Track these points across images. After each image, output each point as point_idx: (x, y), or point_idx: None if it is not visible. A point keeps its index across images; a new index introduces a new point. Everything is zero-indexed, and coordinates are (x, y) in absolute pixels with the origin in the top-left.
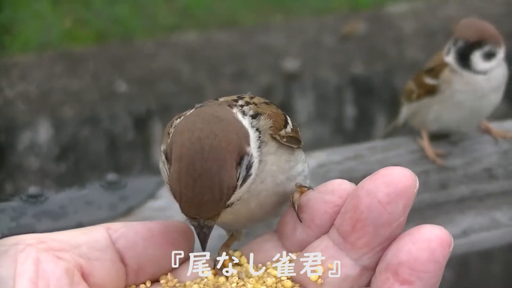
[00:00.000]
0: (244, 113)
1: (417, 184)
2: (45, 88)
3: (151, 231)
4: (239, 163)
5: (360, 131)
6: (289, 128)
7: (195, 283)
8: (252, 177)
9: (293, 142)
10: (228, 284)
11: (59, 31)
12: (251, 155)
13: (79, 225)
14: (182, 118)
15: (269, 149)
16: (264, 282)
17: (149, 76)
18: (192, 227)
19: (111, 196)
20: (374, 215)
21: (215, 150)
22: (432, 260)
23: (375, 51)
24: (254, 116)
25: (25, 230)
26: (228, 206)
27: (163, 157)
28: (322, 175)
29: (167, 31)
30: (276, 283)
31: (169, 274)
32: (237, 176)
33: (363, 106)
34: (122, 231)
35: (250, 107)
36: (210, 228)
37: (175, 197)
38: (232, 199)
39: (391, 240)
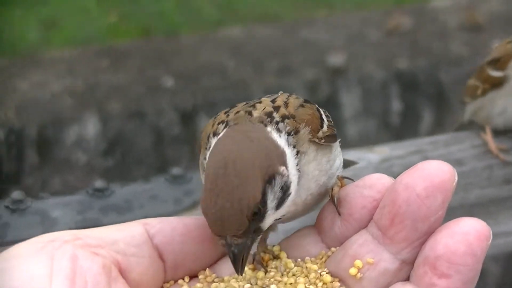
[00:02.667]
0: (279, 131)
1: (456, 178)
2: (91, 83)
3: (188, 226)
4: (268, 182)
5: (406, 126)
6: (325, 126)
7: (233, 278)
8: (293, 195)
9: (331, 140)
10: (266, 278)
11: (104, 25)
12: (287, 175)
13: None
14: (218, 138)
15: (308, 158)
16: (304, 276)
17: (194, 71)
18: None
19: (176, 190)
20: (412, 209)
21: (238, 165)
22: (469, 253)
23: (420, 46)
24: (290, 133)
25: (91, 224)
26: (279, 219)
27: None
28: (385, 170)
29: (211, 26)
30: (316, 278)
31: (207, 269)
32: (263, 192)
33: (408, 101)
34: (159, 227)
35: (286, 123)
36: (239, 247)
37: (204, 215)
38: (272, 218)
39: (430, 234)
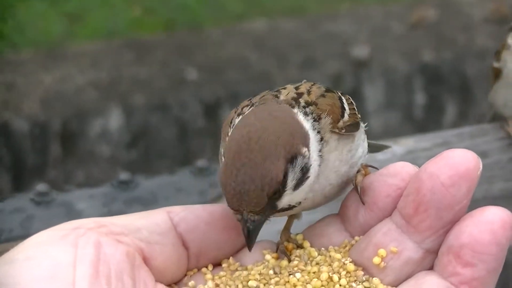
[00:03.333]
0: (306, 114)
1: (481, 166)
2: (115, 76)
3: (212, 214)
4: (290, 161)
5: (429, 119)
6: (346, 116)
7: (256, 267)
8: (311, 179)
9: (352, 129)
10: (290, 267)
11: (128, 19)
12: (308, 157)
13: None
14: (241, 116)
15: (330, 147)
16: (327, 265)
17: (217, 64)
18: (239, 224)
19: (201, 182)
20: (437, 198)
21: (262, 142)
22: (494, 242)
23: (444, 39)
24: (316, 119)
25: None
26: (293, 207)
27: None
28: (409, 162)
29: (235, 19)
30: (339, 267)
31: (231, 257)
32: (285, 171)
33: (432, 94)
34: (183, 214)
35: (311, 109)
36: (255, 224)
37: (222, 189)
38: (289, 199)
39: (454, 223)
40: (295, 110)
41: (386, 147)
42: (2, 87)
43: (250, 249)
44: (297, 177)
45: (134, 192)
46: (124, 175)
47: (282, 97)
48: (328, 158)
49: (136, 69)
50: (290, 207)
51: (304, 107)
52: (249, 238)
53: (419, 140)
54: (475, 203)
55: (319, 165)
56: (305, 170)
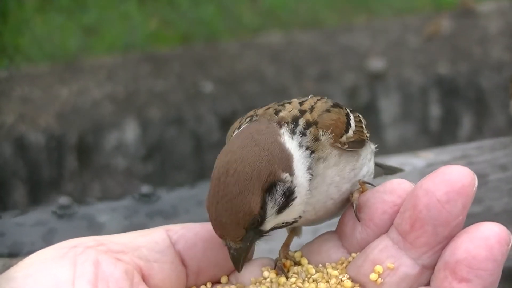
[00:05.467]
0: (293, 132)
1: (476, 183)
2: (132, 89)
3: (211, 232)
4: (268, 190)
5: (445, 132)
6: (351, 132)
7: (255, 284)
8: (299, 199)
9: (356, 146)
10: (288, 284)
11: (145, 32)
12: (290, 181)
13: None
14: (236, 132)
15: (329, 163)
16: (325, 282)
17: (233, 76)
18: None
19: None
20: (433, 214)
21: (237, 175)
22: (490, 258)
23: (460, 51)
24: (305, 133)
25: (138, 229)
26: (291, 223)
27: None
28: None
29: (251, 32)
30: (337, 283)
31: (230, 275)
32: (262, 202)
33: (448, 106)
34: (182, 232)
35: (310, 131)
36: (239, 251)
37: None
38: (274, 222)
39: (450, 239)
40: (282, 130)
41: (400, 170)
42: (19, 101)
43: (238, 271)
44: (279, 202)
45: (155, 205)
46: (145, 188)
47: (282, 114)
48: (326, 175)
49: (152, 82)
50: (288, 223)
51: (296, 125)
52: (235, 263)
53: (439, 153)
54: (496, 216)
55: (310, 180)
56: (288, 194)
